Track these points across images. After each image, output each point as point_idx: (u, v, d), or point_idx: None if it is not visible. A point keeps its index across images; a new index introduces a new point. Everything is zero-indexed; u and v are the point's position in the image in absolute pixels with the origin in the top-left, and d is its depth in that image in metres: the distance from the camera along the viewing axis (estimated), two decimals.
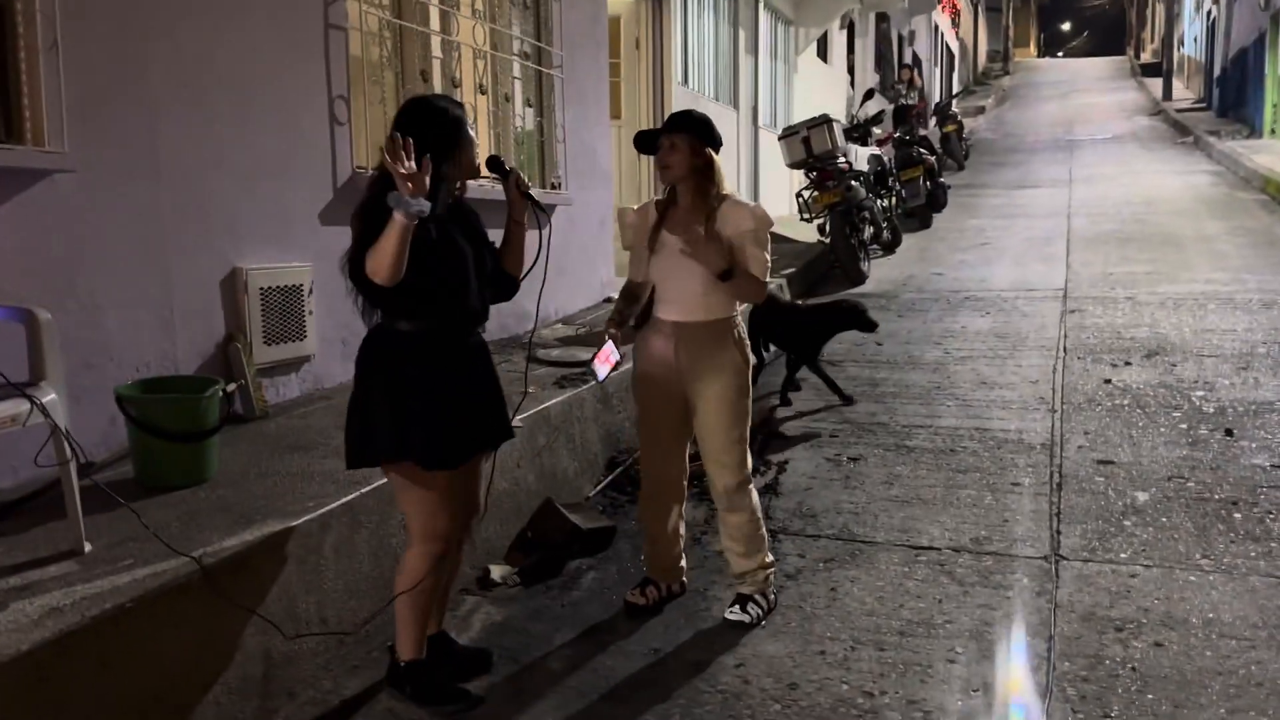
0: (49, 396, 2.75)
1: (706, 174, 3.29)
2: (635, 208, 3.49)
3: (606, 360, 3.31)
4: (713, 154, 3.29)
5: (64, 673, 2.35)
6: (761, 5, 12.38)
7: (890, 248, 10.03)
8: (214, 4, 4.08)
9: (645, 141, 3.38)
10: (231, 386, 4.05)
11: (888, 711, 2.90)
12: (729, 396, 3.34)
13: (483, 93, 5.99)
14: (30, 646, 2.29)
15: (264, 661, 2.90)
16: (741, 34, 11.54)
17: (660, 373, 3.37)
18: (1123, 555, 3.85)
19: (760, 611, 3.45)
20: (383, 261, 2.48)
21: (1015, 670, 3.11)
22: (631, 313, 3.47)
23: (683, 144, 3.25)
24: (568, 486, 4.54)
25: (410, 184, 2.44)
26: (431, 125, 2.66)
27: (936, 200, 11.91)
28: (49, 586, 2.59)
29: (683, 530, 3.65)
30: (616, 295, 7.76)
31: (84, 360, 3.59)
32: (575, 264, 6.95)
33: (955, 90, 27.37)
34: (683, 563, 3.67)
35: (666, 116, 3.47)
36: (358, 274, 2.61)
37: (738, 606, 3.46)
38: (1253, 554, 3.80)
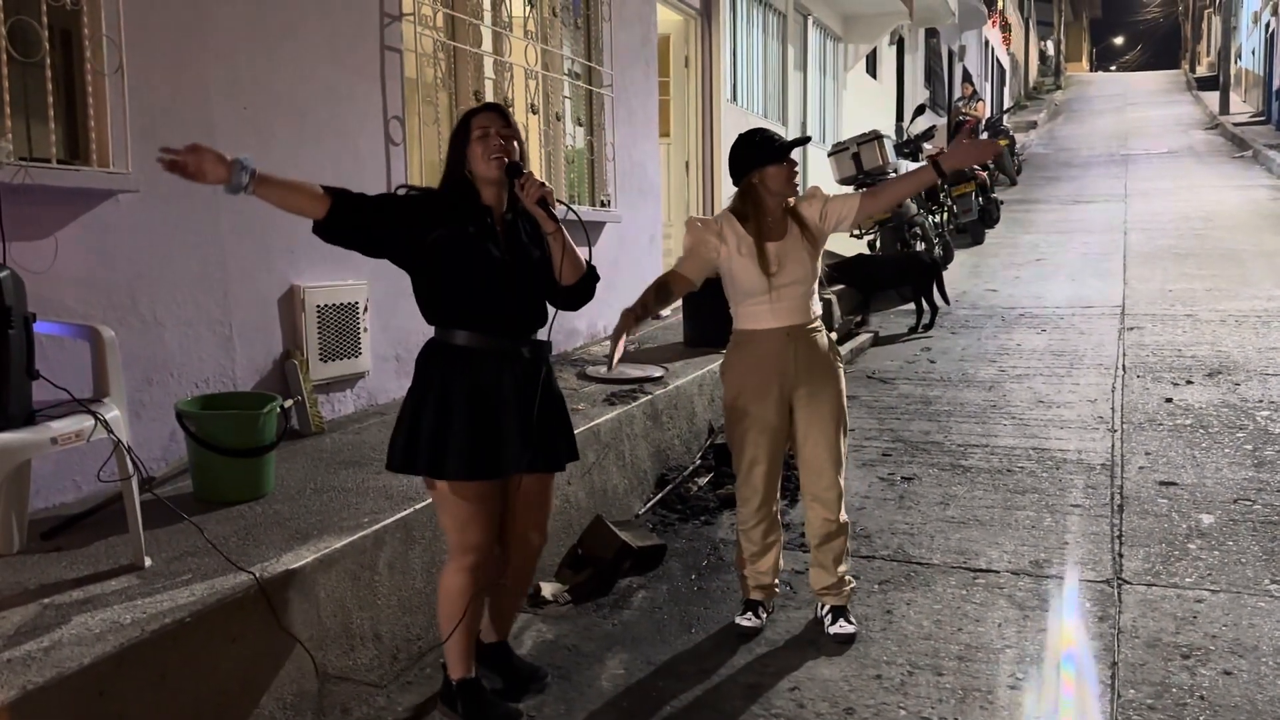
0: (112, 413, 2.80)
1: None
2: (706, 218, 3.58)
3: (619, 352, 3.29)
4: None
5: (123, 686, 2.37)
6: (810, 22, 12.36)
7: (942, 263, 9.91)
8: (272, 28, 4.16)
9: (775, 150, 3.38)
10: (288, 403, 4.09)
11: None
12: (840, 398, 3.43)
13: (534, 112, 6.04)
14: (92, 660, 2.31)
15: (319, 677, 2.91)
16: (790, 51, 11.52)
17: (773, 382, 3.35)
18: (1188, 580, 3.75)
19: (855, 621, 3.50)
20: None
21: (1079, 698, 3.03)
22: (658, 309, 3.53)
23: None
24: (618, 504, 4.52)
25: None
26: (460, 136, 2.82)
27: (989, 215, 11.78)
28: (110, 600, 2.63)
29: None
30: (665, 311, 7.74)
31: (145, 376, 3.66)
32: (625, 280, 6.94)
33: (1006, 105, 27.10)
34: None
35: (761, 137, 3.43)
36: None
37: (842, 619, 3.47)
38: None
